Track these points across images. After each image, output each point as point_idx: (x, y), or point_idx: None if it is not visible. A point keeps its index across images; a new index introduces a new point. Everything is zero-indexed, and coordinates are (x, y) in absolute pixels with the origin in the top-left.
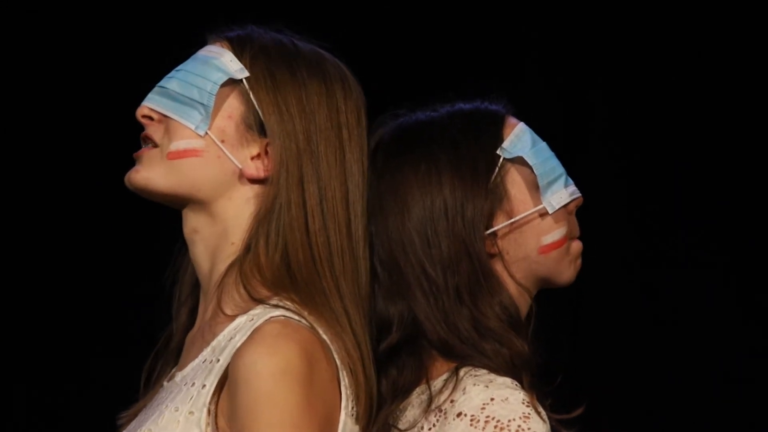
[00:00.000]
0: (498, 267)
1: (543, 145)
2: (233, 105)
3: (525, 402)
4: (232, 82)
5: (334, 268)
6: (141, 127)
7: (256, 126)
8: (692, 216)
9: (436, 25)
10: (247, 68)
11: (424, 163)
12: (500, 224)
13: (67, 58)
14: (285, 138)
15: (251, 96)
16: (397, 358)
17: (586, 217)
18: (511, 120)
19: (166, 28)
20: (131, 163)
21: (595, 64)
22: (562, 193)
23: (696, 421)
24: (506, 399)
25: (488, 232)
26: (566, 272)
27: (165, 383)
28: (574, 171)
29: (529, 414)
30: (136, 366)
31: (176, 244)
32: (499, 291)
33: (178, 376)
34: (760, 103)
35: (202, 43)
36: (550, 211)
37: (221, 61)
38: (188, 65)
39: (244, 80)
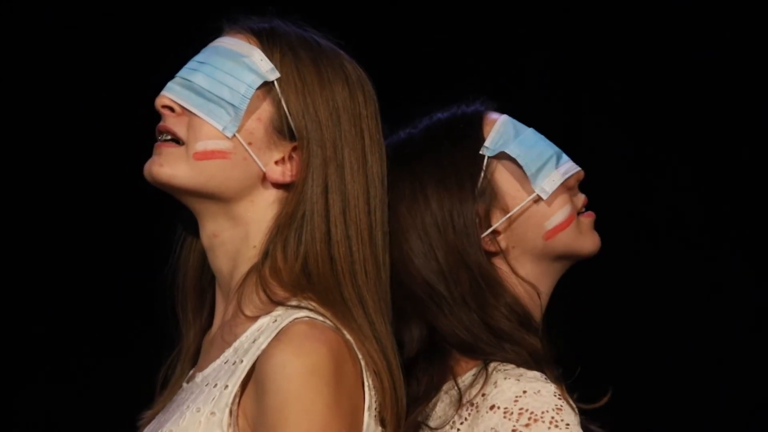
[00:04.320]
0: (503, 266)
1: (528, 132)
2: (263, 107)
3: (557, 394)
4: (262, 83)
5: (356, 278)
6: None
7: (285, 130)
8: (704, 203)
9: (437, 24)
10: (277, 68)
11: (409, 181)
12: (498, 221)
13: (64, 52)
14: (314, 144)
15: (282, 99)
16: (412, 372)
17: (597, 207)
18: (491, 116)
19: (168, 21)
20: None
21: (596, 57)
22: (553, 176)
23: (715, 405)
24: (538, 391)
25: (488, 231)
26: (586, 244)
27: (185, 384)
28: (580, 153)
29: (561, 406)
30: (137, 366)
31: (174, 238)
32: (501, 293)
33: (199, 377)
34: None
35: (204, 37)
36: (544, 197)
37: (252, 61)
38: (213, 59)
39: (275, 82)
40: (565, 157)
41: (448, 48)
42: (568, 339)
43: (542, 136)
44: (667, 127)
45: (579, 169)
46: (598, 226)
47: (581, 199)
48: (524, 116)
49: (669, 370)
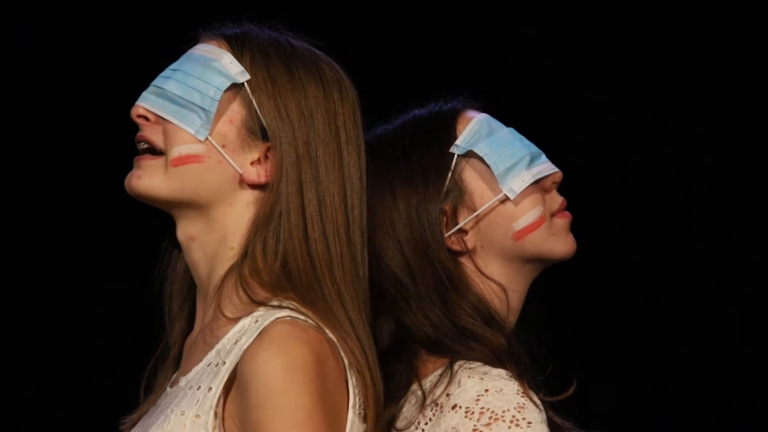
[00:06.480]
0: (469, 265)
1: (504, 131)
2: (234, 109)
3: (519, 392)
4: (233, 86)
5: (334, 275)
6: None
7: (257, 130)
8: (694, 202)
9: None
10: (247, 70)
11: (380, 178)
12: (464, 220)
13: (52, 55)
14: (285, 144)
15: (253, 101)
16: (385, 367)
17: (583, 199)
18: (468, 114)
19: (158, 25)
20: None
21: (594, 36)
22: (523, 176)
23: (694, 405)
24: (501, 390)
25: (454, 230)
26: (557, 248)
27: (168, 388)
28: (571, 155)
29: (524, 404)
30: (127, 370)
31: (163, 242)
32: (465, 292)
33: (182, 381)
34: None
35: (195, 40)
36: (511, 197)
37: (222, 64)
38: (185, 66)
39: (245, 84)
40: (542, 158)
41: (447, 45)
42: (540, 335)
43: (520, 137)
44: (662, 126)
45: (556, 170)
46: (575, 226)
47: (558, 201)
48: (522, 113)
49: (640, 364)
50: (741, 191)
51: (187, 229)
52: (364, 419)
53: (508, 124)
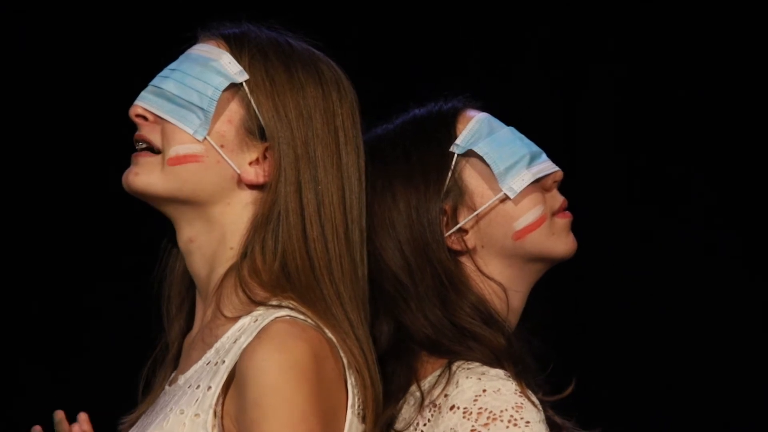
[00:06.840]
0: (470, 265)
1: (504, 130)
2: (233, 109)
3: (517, 392)
4: (231, 86)
5: (333, 275)
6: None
7: (256, 130)
8: (697, 201)
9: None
10: (246, 70)
11: (380, 178)
12: (465, 220)
13: (52, 55)
14: (284, 144)
15: (251, 101)
16: (384, 367)
17: (584, 198)
18: (468, 113)
19: (157, 25)
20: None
21: (594, 36)
22: (524, 175)
23: (695, 405)
24: (498, 390)
25: (454, 229)
26: (558, 247)
27: (167, 387)
28: (573, 151)
29: (521, 404)
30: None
31: (162, 242)
32: (465, 292)
33: (181, 380)
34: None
35: (194, 40)
36: (511, 196)
37: (220, 64)
38: (184, 65)
39: (244, 83)
40: (543, 157)
41: (447, 45)
42: (542, 335)
43: (520, 135)
44: (660, 126)
45: (556, 169)
46: (577, 226)
47: (559, 200)
48: (522, 98)
49: (640, 364)
50: (744, 190)
51: (186, 233)
52: (363, 419)
53: (508, 123)
